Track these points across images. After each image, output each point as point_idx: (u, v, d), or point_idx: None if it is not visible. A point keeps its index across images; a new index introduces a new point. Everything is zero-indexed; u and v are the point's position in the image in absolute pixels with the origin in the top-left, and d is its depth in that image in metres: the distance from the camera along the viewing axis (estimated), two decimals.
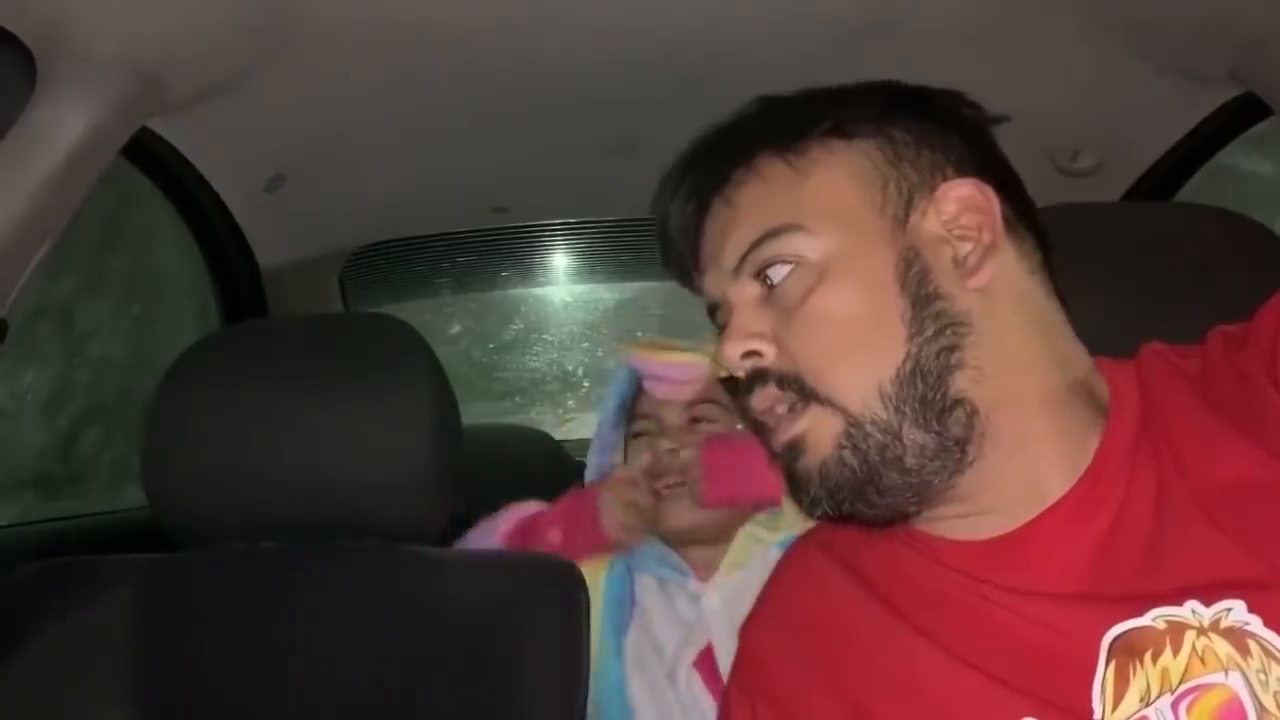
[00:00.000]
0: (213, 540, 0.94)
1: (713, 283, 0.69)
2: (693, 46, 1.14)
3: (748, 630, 0.73)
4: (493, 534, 1.07)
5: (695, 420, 1.09)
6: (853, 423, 0.60)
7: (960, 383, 0.59)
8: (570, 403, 2.85)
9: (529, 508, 1.10)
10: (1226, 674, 0.52)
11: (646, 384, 1.11)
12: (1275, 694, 0.51)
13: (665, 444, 1.07)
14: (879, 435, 0.59)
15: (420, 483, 0.91)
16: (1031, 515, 0.60)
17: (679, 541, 1.07)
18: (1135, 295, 0.77)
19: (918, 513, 0.62)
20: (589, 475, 1.13)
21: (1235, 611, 0.53)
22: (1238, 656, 0.52)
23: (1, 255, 0.92)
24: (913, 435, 0.59)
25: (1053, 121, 1.33)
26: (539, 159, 1.49)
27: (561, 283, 2.42)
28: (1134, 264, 0.80)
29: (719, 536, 1.04)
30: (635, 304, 2.75)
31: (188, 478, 0.91)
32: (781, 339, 0.63)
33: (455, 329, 2.87)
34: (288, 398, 0.91)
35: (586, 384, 2.86)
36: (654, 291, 2.64)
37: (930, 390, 0.59)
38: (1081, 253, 0.67)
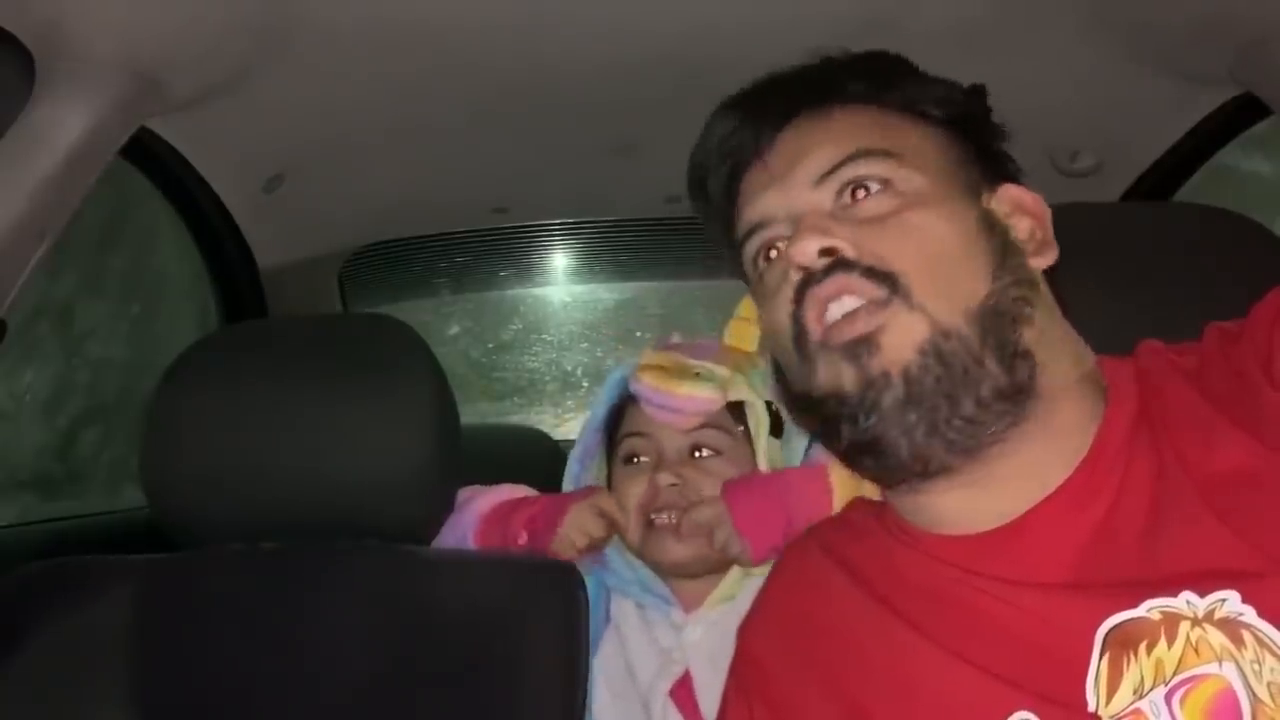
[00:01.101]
0: (213, 540, 0.94)
1: (777, 197, 0.66)
2: (693, 47, 1.14)
3: (746, 630, 0.73)
4: (470, 514, 1.02)
5: (696, 448, 1.00)
6: (941, 332, 0.58)
7: (1029, 336, 0.60)
8: (569, 403, 2.85)
9: (504, 492, 1.05)
10: (1221, 665, 0.52)
11: (648, 408, 1.01)
12: (1269, 685, 0.51)
13: (666, 478, 0.98)
14: (964, 355, 0.58)
15: (420, 483, 0.91)
16: (1027, 506, 0.60)
17: (669, 573, 1.00)
18: (1135, 295, 0.77)
19: (941, 472, 0.60)
20: (566, 483, 1.07)
21: (1230, 602, 0.53)
22: (1232, 647, 0.52)
23: (1, 255, 0.92)
24: (991, 366, 0.58)
25: (1053, 121, 1.33)
26: (539, 159, 1.49)
27: (561, 283, 2.41)
28: (1134, 264, 0.80)
29: (713, 569, 0.98)
30: (635, 304, 2.75)
31: (187, 478, 0.91)
32: (866, 243, 0.61)
33: (454, 329, 2.87)
34: (288, 398, 0.91)
35: (585, 384, 2.86)
36: (654, 291, 2.64)
37: (1007, 331, 0.59)
38: (1081, 253, 0.67)
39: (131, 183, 1.39)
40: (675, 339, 1.09)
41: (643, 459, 1.02)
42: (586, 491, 1.03)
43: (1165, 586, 0.54)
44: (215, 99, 1.13)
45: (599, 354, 2.89)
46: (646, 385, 1.00)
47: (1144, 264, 0.81)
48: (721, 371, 0.99)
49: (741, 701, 0.69)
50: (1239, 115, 1.28)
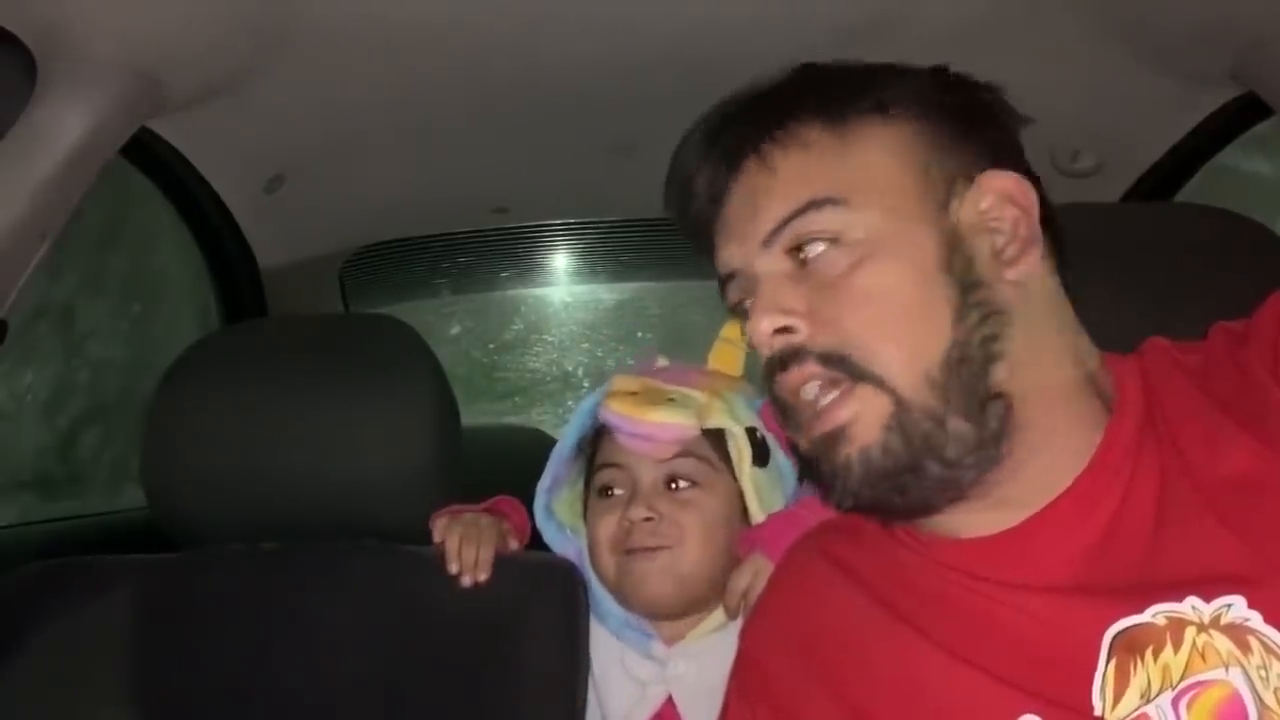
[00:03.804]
0: (213, 540, 0.94)
1: (737, 252, 0.64)
2: (692, 46, 1.14)
3: (747, 633, 0.73)
4: None
5: (672, 479, 0.94)
6: (902, 406, 0.58)
7: (999, 374, 0.58)
8: (570, 403, 2.86)
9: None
10: (1227, 670, 0.52)
11: (621, 438, 0.95)
12: (1276, 690, 0.51)
13: (640, 512, 0.93)
14: (925, 422, 0.57)
15: (420, 483, 0.91)
16: (1032, 510, 0.60)
17: (651, 614, 0.95)
18: (1135, 295, 0.77)
19: (940, 509, 0.61)
20: (537, 511, 1.01)
21: (1235, 608, 0.52)
22: (1238, 653, 0.52)
23: (1, 255, 0.92)
24: (955, 425, 0.57)
25: (1053, 121, 1.31)
26: (539, 159, 1.49)
27: (561, 283, 2.41)
28: (1134, 264, 0.80)
29: (697, 607, 0.94)
30: (635, 304, 2.75)
31: (187, 478, 0.91)
32: (820, 315, 0.60)
33: (455, 329, 2.87)
34: (288, 398, 0.91)
35: (586, 384, 2.86)
36: (654, 291, 2.65)
37: (973, 380, 0.58)
38: (1081, 253, 0.67)
39: (131, 183, 1.39)
40: (661, 362, 1.04)
41: (617, 491, 0.96)
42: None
43: (1170, 591, 0.54)
44: (215, 99, 1.13)
45: (600, 354, 2.90)
46: (615, 413, 0.94)
47: (1144, 264, 0.81)
48: (697, 396, 0.94)
49: (743, 704, 0.69)
50: (1239, 115, 1.28)
